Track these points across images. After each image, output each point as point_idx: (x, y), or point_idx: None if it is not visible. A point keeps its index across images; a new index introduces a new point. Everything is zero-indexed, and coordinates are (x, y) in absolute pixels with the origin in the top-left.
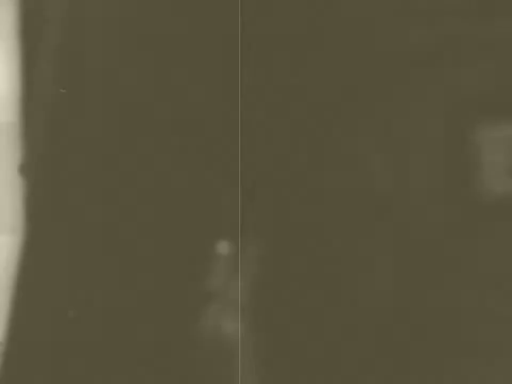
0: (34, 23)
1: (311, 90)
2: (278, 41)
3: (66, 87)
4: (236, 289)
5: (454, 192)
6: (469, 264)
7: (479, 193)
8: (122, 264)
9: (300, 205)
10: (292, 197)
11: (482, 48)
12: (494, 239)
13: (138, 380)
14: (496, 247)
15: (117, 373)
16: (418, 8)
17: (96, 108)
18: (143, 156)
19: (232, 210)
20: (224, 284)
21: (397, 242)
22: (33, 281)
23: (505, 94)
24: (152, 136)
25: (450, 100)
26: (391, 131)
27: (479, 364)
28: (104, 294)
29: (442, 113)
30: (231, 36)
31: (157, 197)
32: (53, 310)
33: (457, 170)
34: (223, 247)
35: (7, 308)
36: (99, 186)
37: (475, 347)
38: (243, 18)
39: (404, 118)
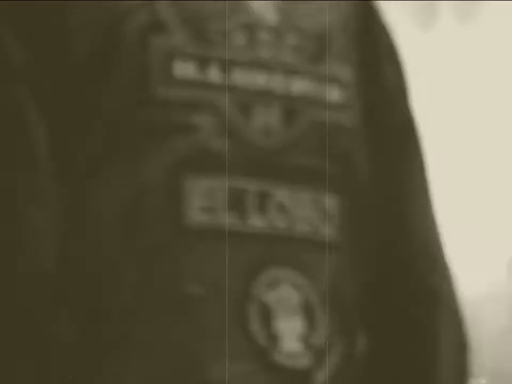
0: None
1: None
2: None
3: None
4: None
5: (169, 220)
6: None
7: (188, 222)
8: None
9: None
10: None
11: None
12: (195, 251)
13: None
14: (197, 257)
15: None
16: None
17: None
18: None
19: None
20: None
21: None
22: None
23: (201, 159)
24: None
25: (170, 163)
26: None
27: None
28: None
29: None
30: None
31: None
32: None
33: (173, 207)
34: None
35: None
36: None
37: None
38: None
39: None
